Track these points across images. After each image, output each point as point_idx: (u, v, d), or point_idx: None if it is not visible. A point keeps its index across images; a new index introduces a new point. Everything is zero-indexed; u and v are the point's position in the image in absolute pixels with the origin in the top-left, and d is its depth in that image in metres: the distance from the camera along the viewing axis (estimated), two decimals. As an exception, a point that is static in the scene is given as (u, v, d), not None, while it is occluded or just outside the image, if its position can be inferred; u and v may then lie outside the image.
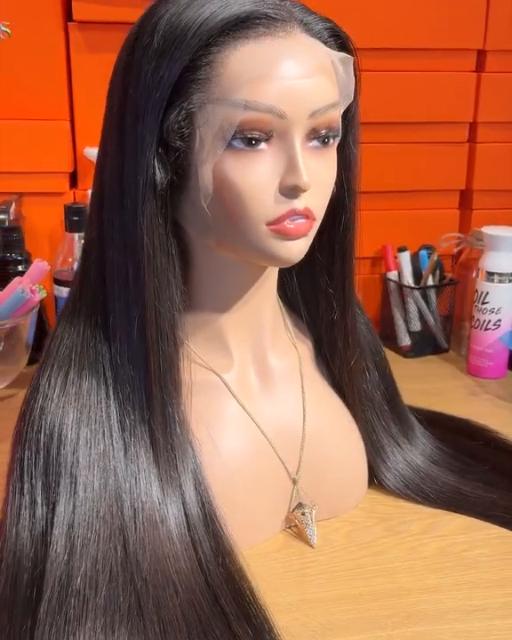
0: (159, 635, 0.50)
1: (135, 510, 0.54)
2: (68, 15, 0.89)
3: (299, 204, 0.53)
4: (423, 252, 0.97)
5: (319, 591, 0.56)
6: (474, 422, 0.80)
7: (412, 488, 0.67)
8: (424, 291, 0.97)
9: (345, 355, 0.65)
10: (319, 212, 0.55)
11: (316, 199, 0.54)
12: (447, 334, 1.01)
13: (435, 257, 0.95)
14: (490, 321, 0.90)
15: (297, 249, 0.55)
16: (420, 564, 0.59)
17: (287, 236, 0.53)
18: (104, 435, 0.56)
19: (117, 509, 0.54)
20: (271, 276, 0.61)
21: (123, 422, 0.56)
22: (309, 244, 0.56)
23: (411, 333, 0.99)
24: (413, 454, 0.70)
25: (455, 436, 0.77)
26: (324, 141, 0.54)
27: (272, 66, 0.50)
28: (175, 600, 0.51)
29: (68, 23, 0.89)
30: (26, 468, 0.55)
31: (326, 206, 0.57)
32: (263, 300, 0.62)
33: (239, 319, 0.61)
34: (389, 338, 1.02)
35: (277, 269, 0.62)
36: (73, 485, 0.54)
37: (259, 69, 0.50)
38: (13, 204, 0.89)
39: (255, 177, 0.52)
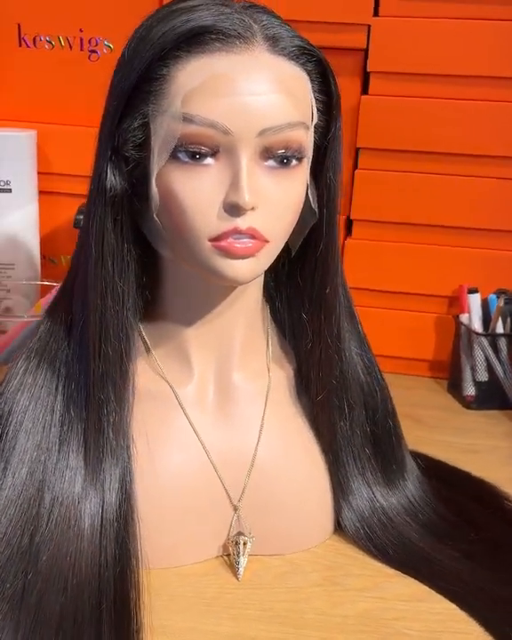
0: (29, 626, 0.50)
1: (53, 504, 0.56)
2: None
3: (242, 222, 0.51)
4: (492, 296, 0.89)
5: (216, 625, 0.54)
6: (495, 488, 0.72)
7: (372, 539, 0.62)
8: (493, 338, 0.89)
9: (315, 386, 0.62)
10: (273, 233, 0.53)
11: (268, 220, 0.53)
12: (520, 390, 0.92)
13: (500, 302, 0.87)
14: (552, 380, 0.81)
15: (243, 269, 0.53)
16: (337, 621, 0.54)
17: (230, 254, 0.52)
18: (44, 427, 0.58)
19: (36, 500, 0.56)
20: (246, 294, 0.60)
21: (63, 418, 0.58)
22: (264, 266, 0.55)
23: (476, 383, 0.91)
24: (387, 504, 0.64)
25: (465, 498, 0.70)
26: (283, 161, 0.52)
27: (220, 81, 0.50)
28: (59, 597, 0.52)
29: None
30: None
31: (289, 229, 0.55)
32: (234, 319, 0.61)
33: (204, 335, 0.60)
34: (456, 385, 0.95)
35: (255, 289, 0.61)
36: (3, 470, 0.57)
37: (205, 84, 0.50)
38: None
39: (199, 191, 0.51)
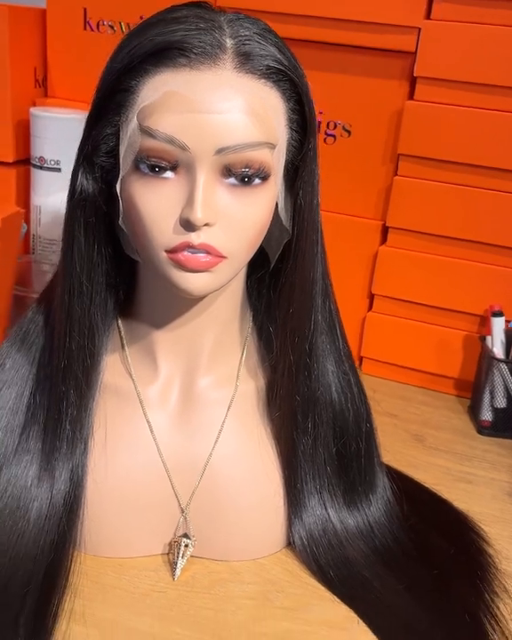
0: (-44, 597, 0.54)
1: (7, 483, 0.59)
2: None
3: (196, 237, 0.52)
4: (514, 322, 0.85)
5: (136, 620, 0.56)
6: (470, 524, 0.70)
7: (316, 559, 0.62)
8: (513, 365, 0.86)
9: (278, 401, 0.62)
10: (231, 250, 0.53)
11: (226, 237, 0.53)
12: (541, 422, 0.87)
13: (518, 329, 0.83)
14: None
15: (198, 283, 0.54)
16: (254, 637, 0.55)
17: (183, 266, 0.53)
18: (11, 409, 0.62)
19: (-10, 479, 0.60)
20: (218, 303, 0.61)
21: (30, 403, 0.62)
22: (221, 280, 0.55)
23: (494, 409, 0.88)
24: (341, 526, 0.64)
25: (433, 530, 0.68)
26: (244, 180, 0.52)
27: (179, 97, 0.50)
28: (-8, 575, 0.56)
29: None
30: None
31: (251, 245, 0.55)
32: (204, 326, 0.61)
33: (173, 338, 0.62)
34: (475, 408, 0.91)
35: (230, 298, 0.61)
36: (-31, 444, 0.61)
37: (163, 99, 0.50)
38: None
39: (156, 204, 0.52)
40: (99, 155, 0.54)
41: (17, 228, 0.82)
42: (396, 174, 0.91)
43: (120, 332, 0.64)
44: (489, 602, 0.60)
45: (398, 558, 0.64)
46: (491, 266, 0.90)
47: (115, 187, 0.55)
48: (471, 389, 0.94)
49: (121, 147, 0.53)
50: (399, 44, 0.86)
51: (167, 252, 0.53)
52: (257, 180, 0.52)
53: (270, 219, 0.55)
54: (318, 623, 0.57)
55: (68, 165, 0.99)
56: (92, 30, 1.00)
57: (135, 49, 0.51)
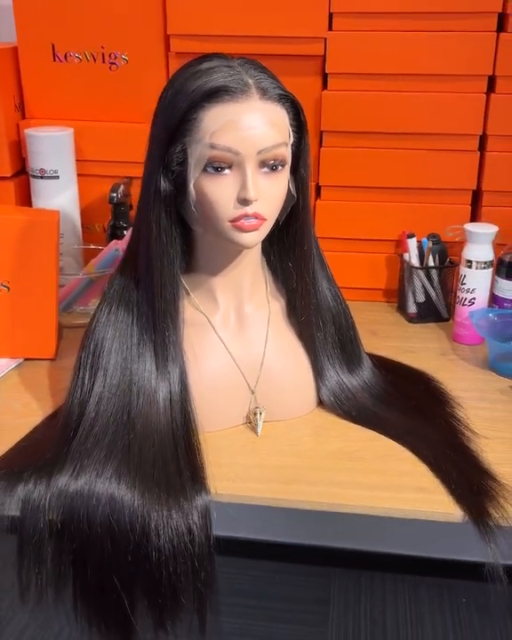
0: (136, 465, 0.82)
1: (139, 394, 0.88)
2: (167, 48, 1.21)
3: (250, 209, 0.82)
4: (425, 239, 1.20)
5: (246, 459, 0.87)
6: (425, 373, 1.06)
7: (341, 407, 0.95)
8: (427, 270, 1.21)
9: (300, 311, 0.94)
10: (269, 214, 0.84)
11: (266, 206, 0.83)
12: (449, 307, 1.24)
13: (430, 244, 1.18)
14: (466, 298, 1.13)
15: (251, 238, 0.84)
16: (322, 454, 0.88)
17: (243, 230, 0.83)
18: (127, 347, 0.89)
19: (127, 392, 0.87)
20: (251, 253, 0.91)
21: (140, 340, 0.89)
22: (263, 235, 0.85)
23: (416, 304, 1.24)
24: (350, 385, 0.97)
25: (403, 380, 1.03)
26: (273, 168, 0.82)
27: (231, 122, 0.79)
28: (151, 448, 0.84)
29: (168, 54, 1.21)
30: (81, 363, 0.90)
31: (278, 210, 0.85)
32: (243, 270, 0.92)
33: (225, 281, 0.92)
34: (402, 306, 1.27)
35: (257, 249, 0.92)
36: (104, 376, 0.88)
37: (222, 123, 0.79)
38: (122, 186, 1.24)
39: (220, 192, 0.81)
40: (173, 165, 0.83)
41: (58, 224, 1.07)
42: (322, 146, 1.23)
43: (183, 284, 0.93)
44: (451, 412, 0.96)
45: (390, 399, 0.98)
46: (400, 203, 1.25)
47: (187, 185, 0.83)
48: (396, 295, 1.30)
49: (190, 158, 0.82)
50: (311, 51, 1.17)
51: (230, 221, 0.82)
52: (280, 167, 0.83)
53: (286, 190, 0.86)
54: (356, 441, 0.91)
55: (64, 173, 1.24)
56: (61, 61, 1.24)
57: (194, 93, 0.79)
